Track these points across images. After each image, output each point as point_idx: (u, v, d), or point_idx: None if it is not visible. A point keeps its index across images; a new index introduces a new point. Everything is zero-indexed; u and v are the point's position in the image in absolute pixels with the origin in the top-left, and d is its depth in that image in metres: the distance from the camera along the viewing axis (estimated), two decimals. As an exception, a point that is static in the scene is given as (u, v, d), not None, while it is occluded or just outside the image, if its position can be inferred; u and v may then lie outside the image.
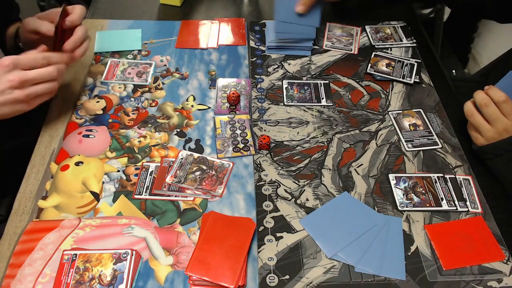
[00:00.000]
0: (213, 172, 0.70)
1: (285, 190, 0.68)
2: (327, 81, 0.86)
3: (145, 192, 0.67)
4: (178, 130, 0.76)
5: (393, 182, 0.70)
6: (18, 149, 0.75)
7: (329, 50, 0.93)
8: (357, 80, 0.87)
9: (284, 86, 0.84)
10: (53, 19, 0.73)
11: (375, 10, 1.06)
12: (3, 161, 0.78)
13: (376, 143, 0.76)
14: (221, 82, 0.85)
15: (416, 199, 0.68)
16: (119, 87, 0.83)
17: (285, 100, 0.82)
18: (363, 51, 0.93)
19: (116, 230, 0.62)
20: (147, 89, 0.83)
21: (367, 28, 0.99)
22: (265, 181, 0.69)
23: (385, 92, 0.85)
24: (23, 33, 0.77)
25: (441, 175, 0.71)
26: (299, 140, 0.76)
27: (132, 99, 0.81)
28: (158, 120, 0.78)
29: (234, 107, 0.81)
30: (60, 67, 0.68)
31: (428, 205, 0.67)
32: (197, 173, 0.69)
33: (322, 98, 0.82)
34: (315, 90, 0.83)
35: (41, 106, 0.81)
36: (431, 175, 0.71)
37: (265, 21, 1.00)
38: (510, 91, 0.68)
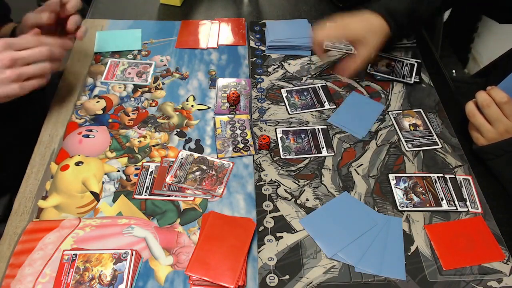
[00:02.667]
0: (213, 172, 0.70)
1: (285, 190, 0.68)
2: (324, 83, 0.85)
3: (145, 192, 0.67)
4: (178, 130, 0.76)
5: (393, 182, 0.70)
6: (17, 149, 0.75)
7: (329, 50, 0.93)
8: (357, 80, 0.87)
9: (284, 95, 0.83)
10: (53, 9, 0.73)
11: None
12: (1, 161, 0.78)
13: (376, 143, 0.76)
14: (221, 82, 0.85)
15: (416, 199, 0.68)
16: (119, 87, 0.83)
17: (289, 109, 0.80)
18: (363, 51, 0.93)
19: (116, 230, 0.62)
20: (147, 89, 0.83)
21: (367, 28, 0.99)
22: (265, 181, 0.69)
23: (385, 92, 0.85)
24: (24, 30, 0.76)
25: (441, 175, 0.71)
26: (299, 140, 0.76)
27: (132, 99, 0.81)
28: (158, 120, 0.78)
29: (234, 107, 0.81)
30: (53, 49, 0.68)
31: (428, 205, 0.67)
32: (197, 173, 0.69)
33: (325, 102, 0.82)
34: (315, 94, 0.83)
35: (41, 105, 0.82)
36: (431, 175, 0.71)
37: (265, 21, 1.00)
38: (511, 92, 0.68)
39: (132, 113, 0.78)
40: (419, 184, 0.69)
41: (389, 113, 0.81)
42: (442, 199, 0.68)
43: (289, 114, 0.80)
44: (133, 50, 0.91)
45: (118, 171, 0.69)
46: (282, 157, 0.73)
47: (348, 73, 0.81)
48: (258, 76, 0.87)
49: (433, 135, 0.77)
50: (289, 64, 0.90)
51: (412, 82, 0.86)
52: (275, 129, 0.77)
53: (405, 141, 0.76)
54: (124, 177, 0.69)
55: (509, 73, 0.69)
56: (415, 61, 0.90)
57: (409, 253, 0.62)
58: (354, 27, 0.76)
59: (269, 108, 0.81)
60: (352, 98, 0.82)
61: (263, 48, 0.93)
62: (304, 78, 0.87)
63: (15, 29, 0.79)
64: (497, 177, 0.71)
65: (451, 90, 0.87)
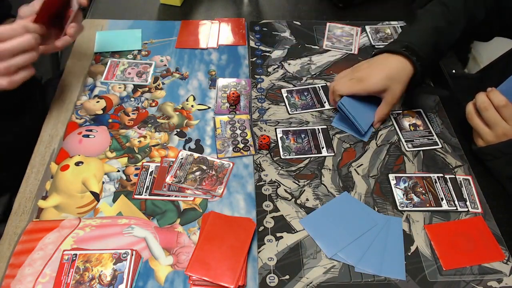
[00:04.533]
0: (213, 172, 0.70)
1: (285, 190, 0.68)
2: (324, 83, 0.85)
3: (145, 192, 0.67)
4: (178, 130, 0.76)
5: (393, 182, 0.70)
6: (17, 149, 0.75)
7: (329, 50, 0.93)
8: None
9: (284, 95, 0.83)
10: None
11: (374, 7, 1.06)
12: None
13: (376, 143, 0.76)
14: (221, 82, 0.85)
15: (416, 199, 0.68)
16: (119, 87, 0.83)
17: (289, 109, 0.80)
18: (363, 51, 0.93)
19: (116, 230, 0.62)
20: (147, 89, 0.83)
21: (367, 28, 0.99)
22: (265, 181, 0.69)
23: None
24: None
25: (441, 175, 0.71)
26: (299, 140, 0.76)
27: (132, 99, 0.81)
28: (158, 120, 0.78)
29: (234, 107, 0.81)
30: (37, 36, 0.65)
31: (428, 205, 0.67)
32: (197, 173, 0.69)
33: (325, 102, 0.82)
34: (315, 94, 0.83)
35: (41, 105, 0.82)
36: (431, 175, 0.71)
37: (265, 21, 1.00)
38: (511, 95, 0.68)
39: (132, 113, 0.78)
40: (419, 184, 0.69)
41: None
42: (442, 199, 0.68)
43: (289, 114, 0.80)
44: (133, 50, 0.91)
45: (118, 171, 0.69)
46: (282, 157, 0.73)
47: (378, 123, 0.77)
48: (258, 76, 0.87)
49: (433, 135, 0.77)
50: (289, 64, 0.90)
51: None
52: (275, 129, 0.77)
53: (405, 141, 0.76)
54: (124, 177, 0.69)
55: (508, 73, 0.69)
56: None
57: (409, 253, 0.62)
58: (374, 81, 0.72)
59: (269, 108, 0.81)
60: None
61: (263, 48, 0.93)
62: (304, 78, 0.87)
63: None
64: (497, 177, 0.71)
65: (451, 89, 0.87)
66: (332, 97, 0.78)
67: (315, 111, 0.80)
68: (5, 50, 0.62)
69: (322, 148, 0.74)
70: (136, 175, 0.69)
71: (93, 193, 0.66)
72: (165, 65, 0.88)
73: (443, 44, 0.77)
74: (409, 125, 0.79)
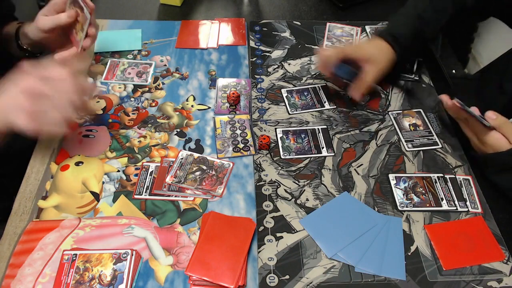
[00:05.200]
0: (213, 172, 0.70)
1: (285, 190, 0.68)
2: (324, 83, 0.85)
3: (145, 192, 0.67)
4: (178, 130, 0.76)
5: (393, 182, 0.70)
6: (17, 149, 0.74)
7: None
8: (357, 80, 0.87)
9: (284, 95, 0.83)
10: (60, 8, 0.72)
11: (374, 7, 1.06)
12: None
13: (376, 143, 0.76)
14: (221, 82, 0.85)
15: (416, 199, 0.68)
16: (119, 87, 0.83)
17: (289, 109, 0.80)
18: (363, 51, 0.93)
19: (116, 230, 0.62)
20: (147, 89, 0.83)
21: (367, 28, 0.99)
22: (265, 181, 0.69)
23: (385, 92, 0.85)
24: (36, 34, 0.72)
25: (441, 175, 0.71)
26: (299, 140, 0.76)
27: (132, 99, 0.81)
28: (158, 120, 0.78)
29: (234, 107, 0.81)
30: (86, 100, 0.61)
31: (428, 205, 0.67)
32: (197, 173, 0.69)
33: (325, 102, 0.82)
34: (315, 94, 0.83)
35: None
36: (431, 175, 0.71)
37: (265, 21, 1.00)
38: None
39: (132, 113, 0.79)
40: (419, 184, 0.69)
41: (389, 113, 0.81)
42: (442, 199, 0.68)
43: (289, 114, 0.80)
44: (133, 50, 0.91)
45: (118, 171, 0.69)
46: (282, 157, 0.73)
47: (359, 94, 0.77)
48: (258, 76, 0.87)
49: (433, 135, 0.77)
50: (289, 64, 0.90)
51: (413, 77, 0.86)
52: (275, 129, 0.77)
53: (405, 141, 0.76)
54: (124, 177, 0.69)
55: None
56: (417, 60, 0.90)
57: (409, 253, 0.62)
58: (364, 47, 0.79)
59: (269, 108, 0.81)
60: None
61: (263, 48, 0.93)
62: (304, 78, 0.87)
63: (19, 29, 0.77)
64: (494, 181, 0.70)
65: (451, 89, 0.87)
66: (322, 64, 0.79)
67: (315, 111, 0.80)
68: (40, 94, 0.56)
69: (322, 148, 0.74)
70: (136, 175, 0.69)
71: (93, 193, 0.66)
72: (165, 65, 0.88)
73: (427, 29, 0.79)
74: (409, 125, 0.79)
